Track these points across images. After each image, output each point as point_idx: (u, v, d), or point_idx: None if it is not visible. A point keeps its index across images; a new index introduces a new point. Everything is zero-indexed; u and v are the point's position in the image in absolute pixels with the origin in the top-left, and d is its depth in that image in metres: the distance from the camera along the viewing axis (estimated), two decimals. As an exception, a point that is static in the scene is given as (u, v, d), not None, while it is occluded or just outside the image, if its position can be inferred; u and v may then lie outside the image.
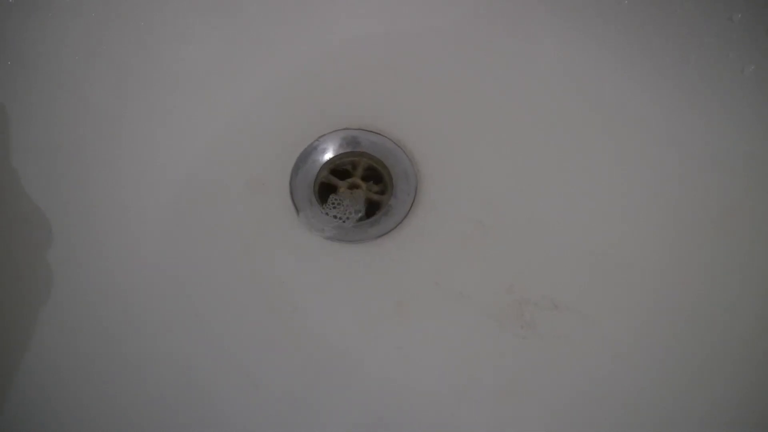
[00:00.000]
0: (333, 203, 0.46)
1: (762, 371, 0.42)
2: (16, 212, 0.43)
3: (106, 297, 0.44)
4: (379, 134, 0.47)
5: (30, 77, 0.44)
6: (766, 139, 0.43)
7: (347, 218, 0.45)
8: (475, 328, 0.44)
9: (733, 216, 0.44)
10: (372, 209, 0.48)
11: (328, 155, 0.47)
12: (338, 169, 0.48)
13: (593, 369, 0.43)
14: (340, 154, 0.48)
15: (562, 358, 0.43)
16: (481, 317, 0.44)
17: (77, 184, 0.45)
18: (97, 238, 0.45)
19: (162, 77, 0.46)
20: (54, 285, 0.43)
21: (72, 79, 0.45)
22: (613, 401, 0.43)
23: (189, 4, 0.46)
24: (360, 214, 0.46)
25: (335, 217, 0.45)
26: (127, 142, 0.46)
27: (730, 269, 0.44)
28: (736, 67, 0.43)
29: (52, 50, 0.44)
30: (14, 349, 0.42)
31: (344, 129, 0.48)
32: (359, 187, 0.47)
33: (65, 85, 0.44)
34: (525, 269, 0.45)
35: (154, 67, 0.46)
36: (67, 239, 0.43)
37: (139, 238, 0.45)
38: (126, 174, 0.46)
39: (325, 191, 0.48)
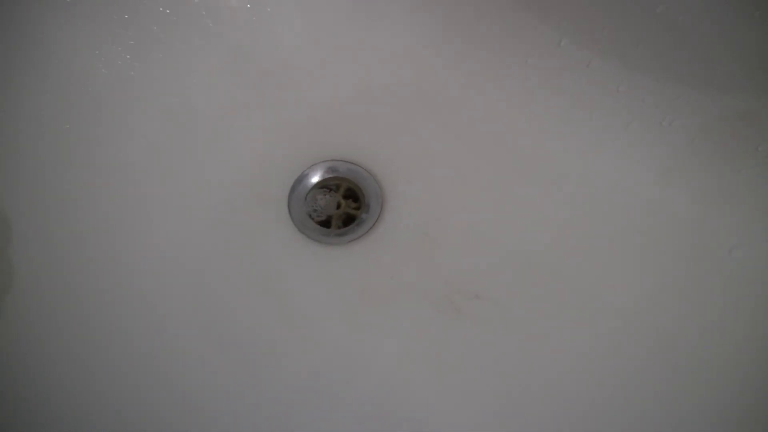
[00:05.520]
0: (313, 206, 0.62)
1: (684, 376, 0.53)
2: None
3: (122, 297, 0.55)
4: (356, 164, 0.63)
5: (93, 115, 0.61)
6: (643, 183, 0.57)
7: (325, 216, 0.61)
8: (418, 311, 0.58)
9: (638, 233, 0.58)
10: (349, 221, 0.63)
11: (316, 179, 0.63)
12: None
13: (506, 345, 0.57)
14: (326, 179, 0.63)
15: (480, 335, 0.57)
16: (422, 303, 0.58)
17: (105, 196, 0.58)
18: (117, 241, 0.57)
19: (194, 123, 0.63)
20: (64, 287, 0.54)
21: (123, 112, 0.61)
22: (523, 373, 0.55)
23: (211, 64, 0.63)
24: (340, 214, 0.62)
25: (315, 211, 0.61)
26: (169, 167, 0.62)
27: (630, 276, 0.57)
28: (622, 124, 0.58)
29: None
30: (15, 351, 0.48)
31: (330, 160, 0.63)
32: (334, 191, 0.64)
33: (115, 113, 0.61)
34: (457, 269, 0.59)
35: (186, 115, 0.63)
36: (86, 243, 0.56)
37: (162, 242, 0.59)
38: (157, 189, 0.60)
39: (314, 205, 0.63)
